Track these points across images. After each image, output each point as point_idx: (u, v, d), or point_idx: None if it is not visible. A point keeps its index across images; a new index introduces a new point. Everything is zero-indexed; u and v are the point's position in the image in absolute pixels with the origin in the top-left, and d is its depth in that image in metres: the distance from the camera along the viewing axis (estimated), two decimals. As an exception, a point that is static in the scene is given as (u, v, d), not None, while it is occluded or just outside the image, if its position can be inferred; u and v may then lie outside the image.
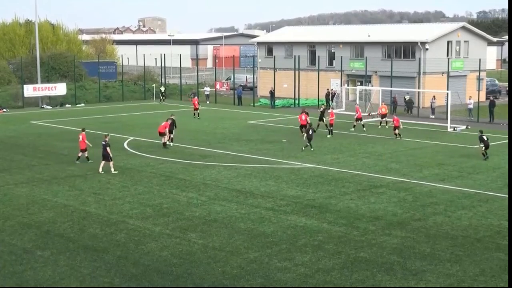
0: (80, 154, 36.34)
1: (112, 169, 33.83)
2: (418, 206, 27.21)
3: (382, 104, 54.16)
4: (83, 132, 36.57)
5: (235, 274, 19.30)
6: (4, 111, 64.50)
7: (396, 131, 45.59)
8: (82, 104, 71.58)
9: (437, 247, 21.79)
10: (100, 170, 33.82)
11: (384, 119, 52.47)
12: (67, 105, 70.06)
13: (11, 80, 77.02)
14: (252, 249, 21.57)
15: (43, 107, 68.40)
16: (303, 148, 39.90)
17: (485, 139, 37.15)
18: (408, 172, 34.24)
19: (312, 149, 39.79)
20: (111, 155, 34.01)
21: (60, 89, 70.18)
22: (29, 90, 68.30)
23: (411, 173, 33.85)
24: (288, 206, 27.18)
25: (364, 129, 49.27)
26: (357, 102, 59.34)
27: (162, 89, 75.96)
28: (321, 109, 50.90)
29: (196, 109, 57.90)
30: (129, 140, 44.72)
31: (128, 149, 41.32)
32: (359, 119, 50.56)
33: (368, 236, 23.04)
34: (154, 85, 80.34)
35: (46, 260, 20.62)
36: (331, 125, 46.55)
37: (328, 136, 45.57)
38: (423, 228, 24.05)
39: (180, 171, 34.41)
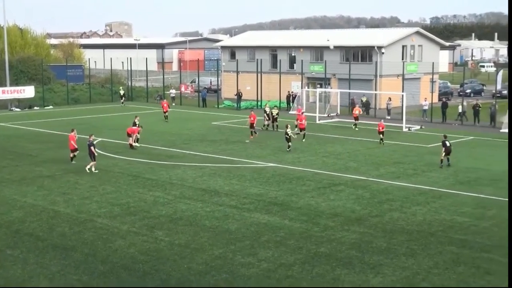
0: (71, 155, 35.88)
1: (87, 168, 33.73)
2: (375, 202, 27.47)
3: (356, 107, 54.21)
4: (72, 133, 36.04)
5: (200, 270, 19.29)
6: (-27, 114, 63.51)
7: (381, 136, 43.52)
8: (51, 106, 70.79)
9: (393, 242, 22.03)
10: (93, 170, 33.67)
11: (356, 121, 51.98)
12: (35, 108, 69.25)
13: (-21, 84, 75.84)
14: (216, 246, 21.57)
15: (12, 110, 67.49)
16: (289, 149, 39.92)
17: (448, 144, 35.48)
18: (365, 170, 34.52)
19: (288, 149, 39.84)
20: (95, 154, 34.01)
21: (28, 92, 69.47)
22: (-2, 93, 67.49)
23: (369, 172, 34.14)
24: (251, 204, 27.22)
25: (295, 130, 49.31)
26: (317, 103, 59.55)
27: (122, 92, 74.47)
28: (276, 112, 51.05)
29: (165, 112, 57.06)
30: (96, 141, 44.22)
31: (96, 149, 40.89)
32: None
33: (328, 232, 23.18)
34: (121, 87, 79.75)
35: (16, 258, 20.39)
36: (302, 129, 45.07)
37: (303, 140, 44.26)
38: (380, 223, 24.28)
39: (147, 171, 34.24)
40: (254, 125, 45.67)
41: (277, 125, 49.79)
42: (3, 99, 67.85)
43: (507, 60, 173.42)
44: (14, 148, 42.11)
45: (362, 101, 63.49)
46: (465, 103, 59.91)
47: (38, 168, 35.07)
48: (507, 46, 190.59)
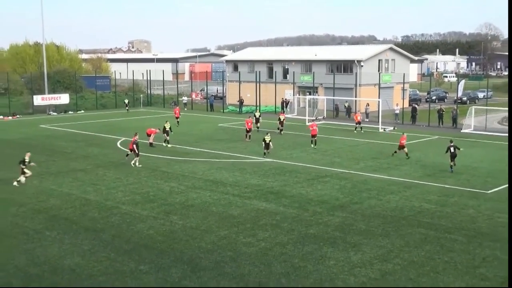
0: (129, 152, 34.70)
1: (137, 163, 33.51)
2: (356, 191, 27.46)
3: (357, 113, 53.42)
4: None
5: (209, 249, 19.30)
6: (17, 117, 63.62)
7: (405, 150, 36.28)
8: (82, 111, 70.71)
9: (371, 225, 22.04)
10: (137, 164, 33.39)
11: (359, 125, 50.11)
12: (69, 112, 69.22)
13: (23, 92, 75.99)
14: (222, 228, 21.59)
15: (50, 114, 67.46)
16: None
17: (452, 150, 32.11)
18: (347, 164, 34.49)
19: (264, 155, 36.66)
20: (137, 151, 33.47)
21: (64, 98, 69.52)
22: (38, 100, 67.49)
23: (350, 166, 34.11)
24: (251, 193, 27.22)
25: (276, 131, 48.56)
26: (306, 108, 59.49)
27: (126, 101, 72.41)
28: (283, 118, 49.48)
29: (177, 117, 55.17)
30: (121, 140, 44.30)
31: (121, 147, 40.94)
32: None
33: (316, 216, 23.19)
34: (141, 95, 79.79)
35: (53, 239, 20.42)
36: (313, 136, 40.73)
37: (313, 146, 40.63)
38: (360, 209, 24.29)
39: (163, 165, 34.20)
40: (251, 129, 44.81)
41: (281, 129, 48.54)
42: (42, 105, 67.86)
43: (466, 71, 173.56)
44: (52, 146, 42.09)
45: (345, 106, 63.49)
46: (399, 106, 60.65)
47: (72, 163, 35.06)
48: (466, 59, 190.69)
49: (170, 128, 42.26)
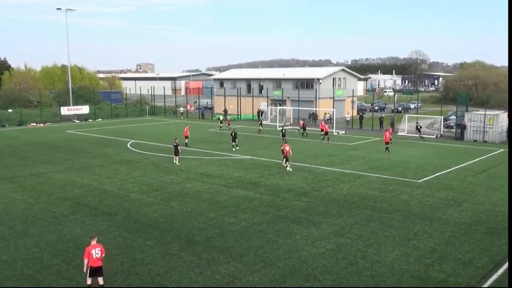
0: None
1: (173, 161, 32.92)
2: (316, 181, 27.52)
3: (323, 124, 48.68)
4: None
5: (201, 227, 19.17)
6: (48, 124, 62.79)
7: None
8: (100, 119, 69.95)
9: (328, 207, 22.10)
10: (177, 162, 32.66)
11: (323, 133, 45.74)
12: (89, 120, 68.42)
13: (52, 104, 74.83)
14: (211, 211, 21.47)
15: (74, 121, 66.59)
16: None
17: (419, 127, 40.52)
18: (309, 160, 34.53)
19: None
20: (179, 151, 32.98)
21: (85, 109, 68.76)
22: (64, 110, 66.72)
23: (311, 161, 34.17)
24: (234, 183, 27.12)
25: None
26: (277, 117, 59.41)
27: (221, 117, 58.32)
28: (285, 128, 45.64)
29: (186, 137, 45.85)
30: (130, 142, 43.86)
31: (130, 148, 40.54)
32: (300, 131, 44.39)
33: (285, 201, 23.19)
34: (147, 106, 79.13)
35: (77, 221, 20.13)
36: (386, 143, 37.52)
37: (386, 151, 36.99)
38: (319, 195, 24.35)
39: (165, 161, 33.91)
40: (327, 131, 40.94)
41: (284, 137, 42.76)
42: (67, 114, 67.06)
43: (401, 87, 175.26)
44: (75, 147, 41.52)
45: (311, 113, 63.93)
46: (349, 115, 60.99)
47: (92, 160, 34.63)
48: (401, 77, 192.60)
49: (235, 136, 39.32)
